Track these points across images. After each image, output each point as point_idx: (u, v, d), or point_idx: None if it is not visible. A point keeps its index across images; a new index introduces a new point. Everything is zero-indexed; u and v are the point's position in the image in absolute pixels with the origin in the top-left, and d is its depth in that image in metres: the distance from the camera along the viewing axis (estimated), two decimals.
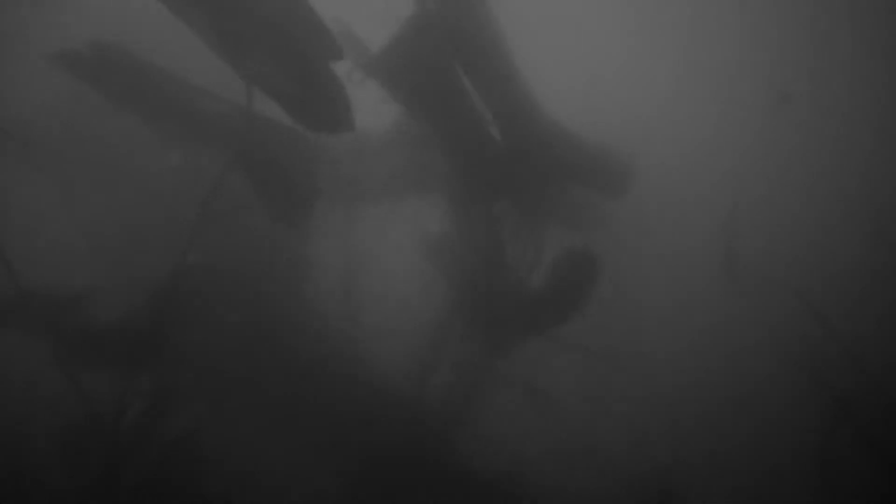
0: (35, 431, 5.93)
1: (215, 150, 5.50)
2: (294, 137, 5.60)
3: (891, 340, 7.16)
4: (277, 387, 5.96)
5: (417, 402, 6.07)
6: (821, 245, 7.02)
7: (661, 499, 6.39)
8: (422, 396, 6.09)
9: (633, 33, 6.78)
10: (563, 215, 6.39)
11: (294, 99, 4.72)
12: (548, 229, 6.14)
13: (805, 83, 6.74)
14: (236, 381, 5.83)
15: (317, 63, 4.60)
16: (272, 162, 5.59)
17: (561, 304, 5.92)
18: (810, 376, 6.86)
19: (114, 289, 5.71)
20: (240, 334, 5.93)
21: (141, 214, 5.93)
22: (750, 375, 6.91)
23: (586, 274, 5.80)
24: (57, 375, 5.23)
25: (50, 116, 6.07)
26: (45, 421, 5.76)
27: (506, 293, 5.94)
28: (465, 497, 5.92)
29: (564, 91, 6.14)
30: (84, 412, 5.22)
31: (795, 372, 6.90)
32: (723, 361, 6.89)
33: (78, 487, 5.32)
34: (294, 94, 4.67)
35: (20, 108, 5.70)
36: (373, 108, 5.83)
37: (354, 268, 6.55)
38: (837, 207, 7.05)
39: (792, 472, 6.74)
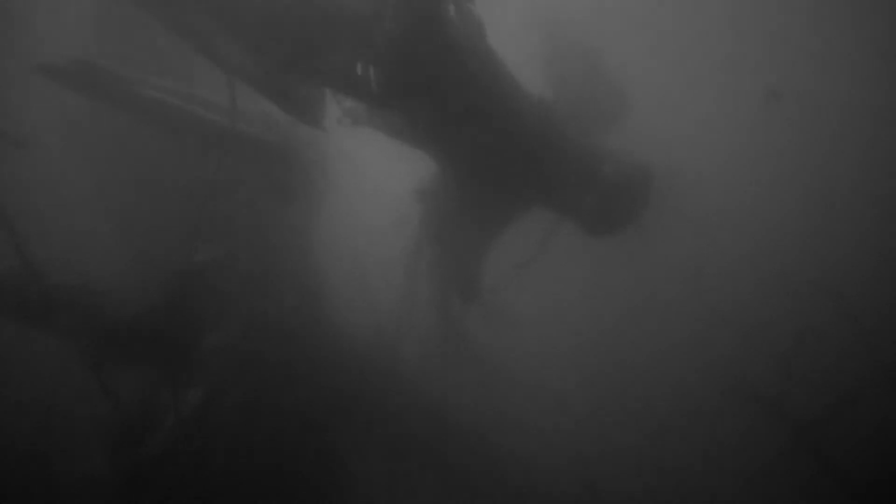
0: (64, 424, 6.24)
1: (208, 144, 5.69)
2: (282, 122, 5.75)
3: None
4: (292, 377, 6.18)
5: None
6: (821, 241, 6.96)
7: None
8: None
9: (625, 29, 6.77)
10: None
11: (271, 85, 4.78)
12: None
13: (797, 80, 6.64)
14: (255, 367, 6.04)
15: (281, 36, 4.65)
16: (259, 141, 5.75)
17: None
18: (769, 406, 6.84)
19: (136, 284, 5.94)
20: (255, 324, 6.13)
21: (162, 212, 6.16)
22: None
23: None
24: (84, 372, 5.35)
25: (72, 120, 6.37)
26: (75, 414, 6.03)
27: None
28: None
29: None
30: (114, 408, 5.36)
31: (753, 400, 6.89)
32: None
33: (116, 474, 5.60)
34: (268, 80, 4.73)
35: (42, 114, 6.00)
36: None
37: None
38: (835, 205, 6.96)
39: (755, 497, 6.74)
